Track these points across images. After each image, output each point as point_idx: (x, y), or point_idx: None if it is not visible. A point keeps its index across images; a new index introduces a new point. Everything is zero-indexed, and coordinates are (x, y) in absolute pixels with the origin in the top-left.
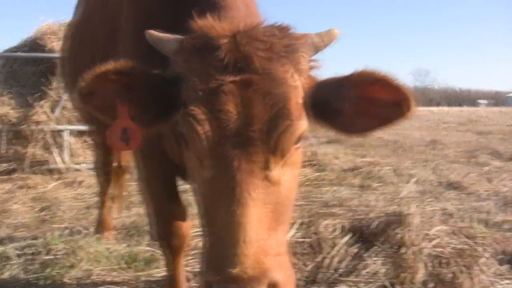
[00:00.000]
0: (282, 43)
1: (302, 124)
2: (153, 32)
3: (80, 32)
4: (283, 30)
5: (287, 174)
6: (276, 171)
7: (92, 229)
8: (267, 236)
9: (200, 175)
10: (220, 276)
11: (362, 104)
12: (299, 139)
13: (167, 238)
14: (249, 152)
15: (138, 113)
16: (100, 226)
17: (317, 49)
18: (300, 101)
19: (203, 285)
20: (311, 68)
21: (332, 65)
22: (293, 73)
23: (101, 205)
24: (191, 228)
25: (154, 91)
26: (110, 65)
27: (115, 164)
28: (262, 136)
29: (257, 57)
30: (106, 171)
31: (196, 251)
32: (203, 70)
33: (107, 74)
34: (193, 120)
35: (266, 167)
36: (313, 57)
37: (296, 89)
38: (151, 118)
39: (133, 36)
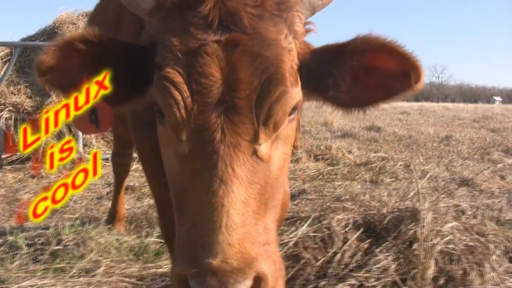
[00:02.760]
0: (275, 0)
1: (297, 92)
2: None
3: (97, 21)
4: None
5: (278, 150)
6: (266, 146)
7: (103, 220)
8: (253, 221)
9: (176, 152)
10: (196, 268)
11: (364, 74)
12: (293, 109)
13: (170, 234)
14: (234, 122)
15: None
16: (112, 217)
17: (314, 9)
18: (295, 66)
19: (176, 280)
20: (307, 31)
21: None
22: (287, 35)
23: (114, 196)
24: None
25: (125, 62)
26: (75, 34)
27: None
28: (251, 104)
29: (246, 14)
30: (123, 162)
31: None
32: (182, 29)
33: (72, 44)
34: (168, 84)
35: (255, 140)
36: (310, 19)
37: (290, 53)
38: (122, 94)
39: (132, 19)
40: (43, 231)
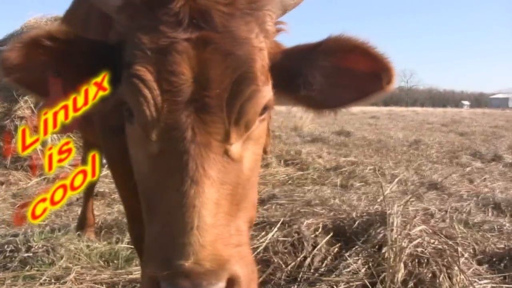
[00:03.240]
0: None
1: (268, 90)
2: None
3: (67, 20)
4: None
5: (250, 151)
6: (238, 146)
7: (73, 226)
8: (225, 222)
9: (145, 151)
10: (168, 270)
11: (336, 75)
12: (264, 109)
13: (140, 241)
14: (205, 121)
15: (74, 88)
16: (82, 223)
17: (285, 8)
18: (266, 65)
19: (146, 283)
20: (278, 31)
21: None
22: (258, 33)
23: (84, 202)
24: None
25: (93, 61)
26: (41, 31)
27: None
28: (222, 103)
29: (217, 12)
30: None
31: None
32: (152, 26)
33: (38, 41)
34: (138, 82)
35: (226, 140)
36: (280, 19)
37: (261, 52)
38: None
39: (99, 15)
40: (12, 238)
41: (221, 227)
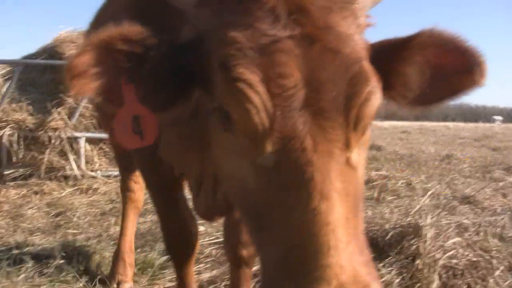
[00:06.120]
0: None
1: (380, 92)
2: None
3: (99, 22)
4: None
5: (362, 158)
6: (356, 154)
7: (106, 235)
8: (355, 238)
9: (253, 164)
10: None
11: (428, 70)
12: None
13: (175, 250)
14: (324, 128)
15: (148, 93)
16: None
17: (376, 0)
18: None
19: None
20: (367, 25)
21: None
22: (355, 29)
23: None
24: (203, 236)
25: (167, 62)
26: (113, 32)
27: None
28: (339, 107)
29: (314, 7)
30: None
31: (210, 259)
32: (246, 23)
33: (111, 43)
34: (245, 86)
35: (347, 147)
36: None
37: (364, 49)
38: (166, 98)
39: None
40: (48, 245)
41: (353, 244)
